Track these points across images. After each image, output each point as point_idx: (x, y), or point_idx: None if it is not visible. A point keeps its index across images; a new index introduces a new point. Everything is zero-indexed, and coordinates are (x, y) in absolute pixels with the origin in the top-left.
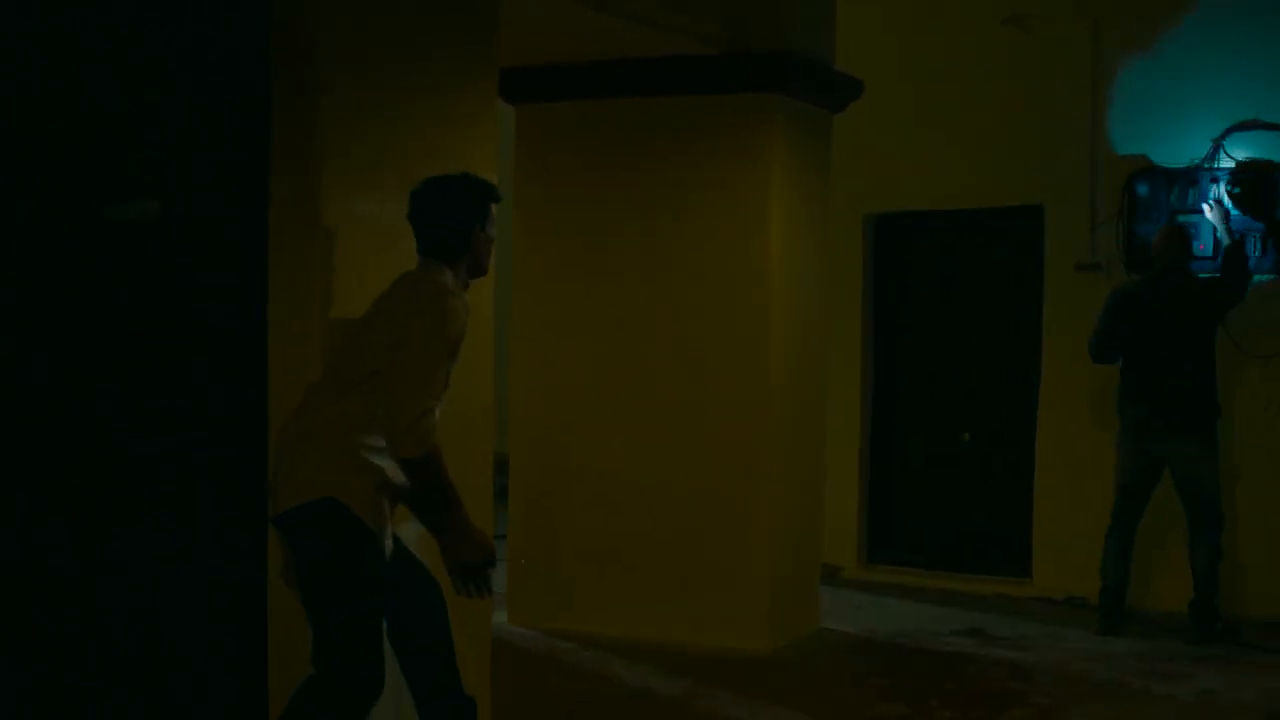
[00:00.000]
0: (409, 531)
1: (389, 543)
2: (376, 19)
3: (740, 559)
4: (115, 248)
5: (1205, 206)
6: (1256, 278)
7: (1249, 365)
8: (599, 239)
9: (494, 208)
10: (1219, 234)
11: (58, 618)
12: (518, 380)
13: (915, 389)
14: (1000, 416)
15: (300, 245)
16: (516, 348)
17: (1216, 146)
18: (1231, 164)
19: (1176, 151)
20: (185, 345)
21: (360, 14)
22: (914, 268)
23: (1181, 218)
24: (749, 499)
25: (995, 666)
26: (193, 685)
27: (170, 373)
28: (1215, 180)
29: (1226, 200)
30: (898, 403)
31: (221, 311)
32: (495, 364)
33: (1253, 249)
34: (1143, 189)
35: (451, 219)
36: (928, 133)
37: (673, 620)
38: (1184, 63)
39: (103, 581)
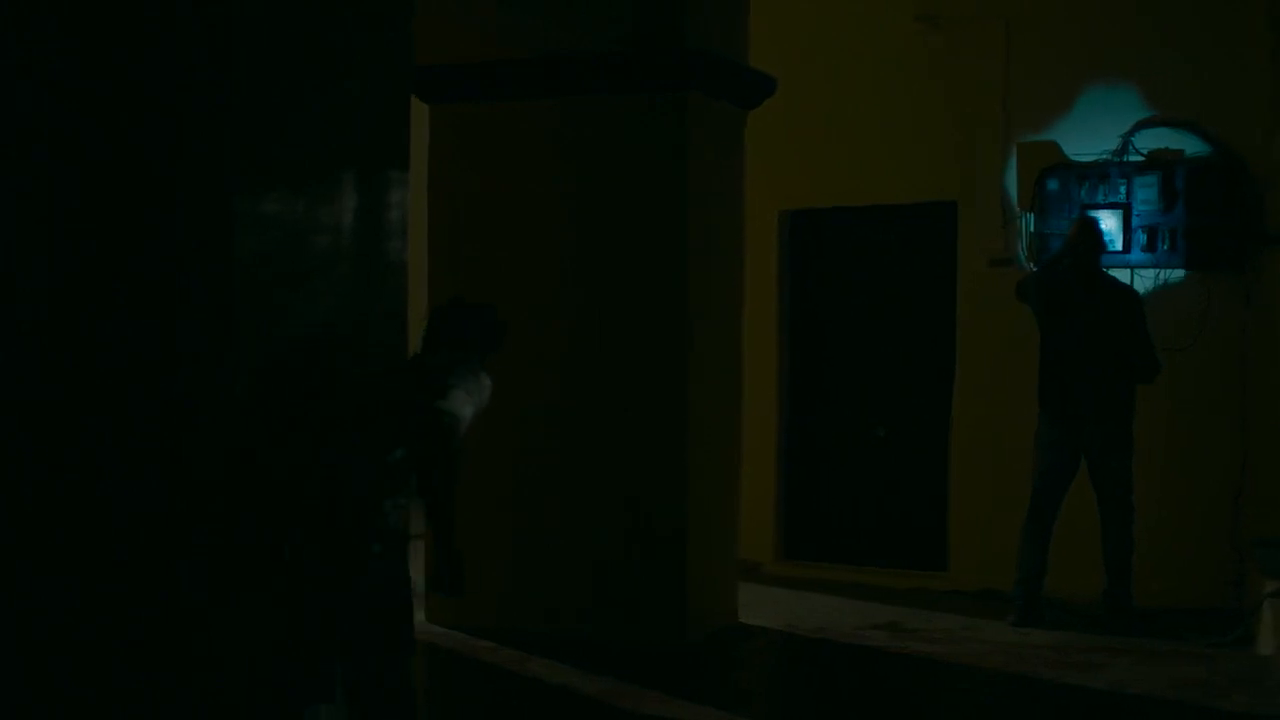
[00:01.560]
0: None
1: None
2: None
3: (657, 553)
4: None
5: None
6: (1165, 273)
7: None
8: (515, 241)
9: None
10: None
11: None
12: None
13: (831, 384)
14: (915, 410)
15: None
16: None
17: (1125, 142)
18: (1140, 158)
19: (1087, 147)
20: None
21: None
22: (829, 263)
23: (1091, 212)
24: (665, 493)
25: (910, 661)
26: None
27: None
28: (1125, 176)
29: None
30: (814, 398)
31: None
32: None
33: (1162, 242)
34: (1053, 184)
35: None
36: (842, 129)
37: (590, 615)
38: (1093, 59)
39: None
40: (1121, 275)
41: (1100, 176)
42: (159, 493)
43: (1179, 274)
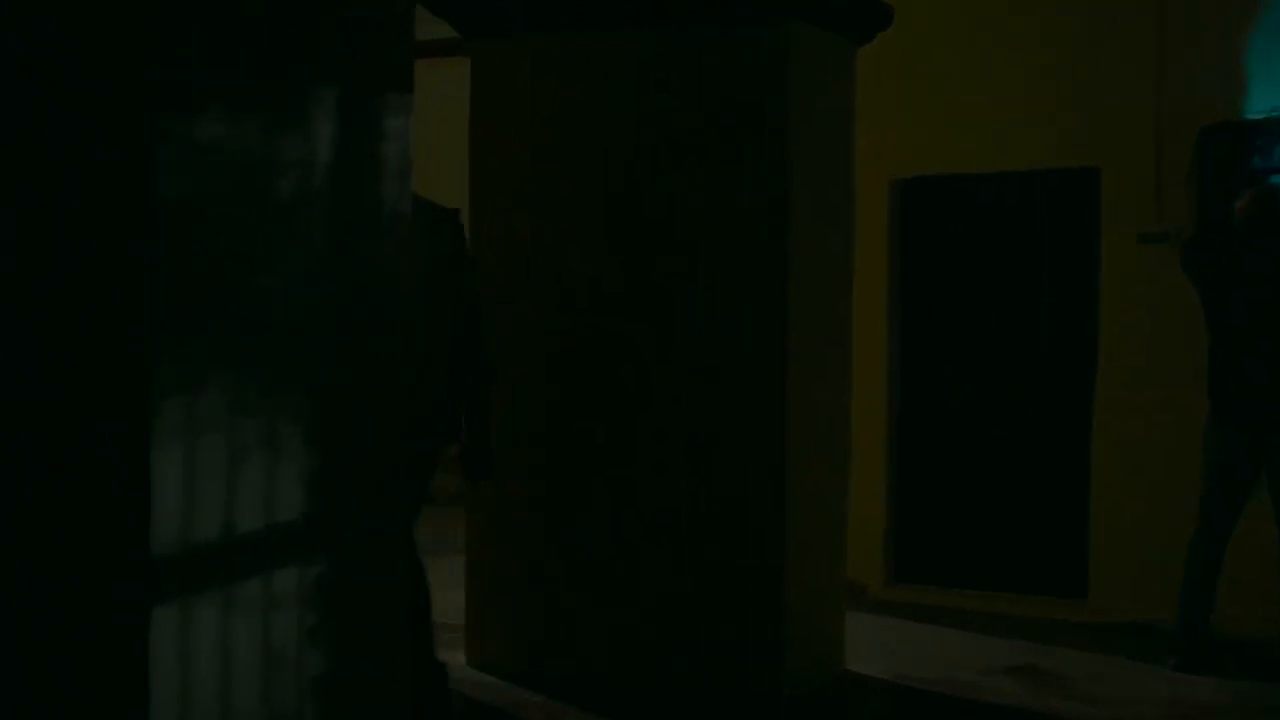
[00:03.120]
0: None
1: None
2: None
3: (746, 586)
4: None
5: None
6: None
7: None
8: (573, 201)
9: None
10: None
11: None
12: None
13: (950, 379)
14: (1049, 410)
15: None
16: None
17: None
18: None
19: (1257, 102)
20: None
21: None
22: (948, 238)
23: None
24: (757, 512)
25: None
26: None
27: None
28: None
29: None
30: (929, 395)
31: None
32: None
33: None
34: (1217, 146)
35: None
36: (966, 82)
37: (661, 661)
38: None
39: None
40: None
41: (1276, 136)
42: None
43: None
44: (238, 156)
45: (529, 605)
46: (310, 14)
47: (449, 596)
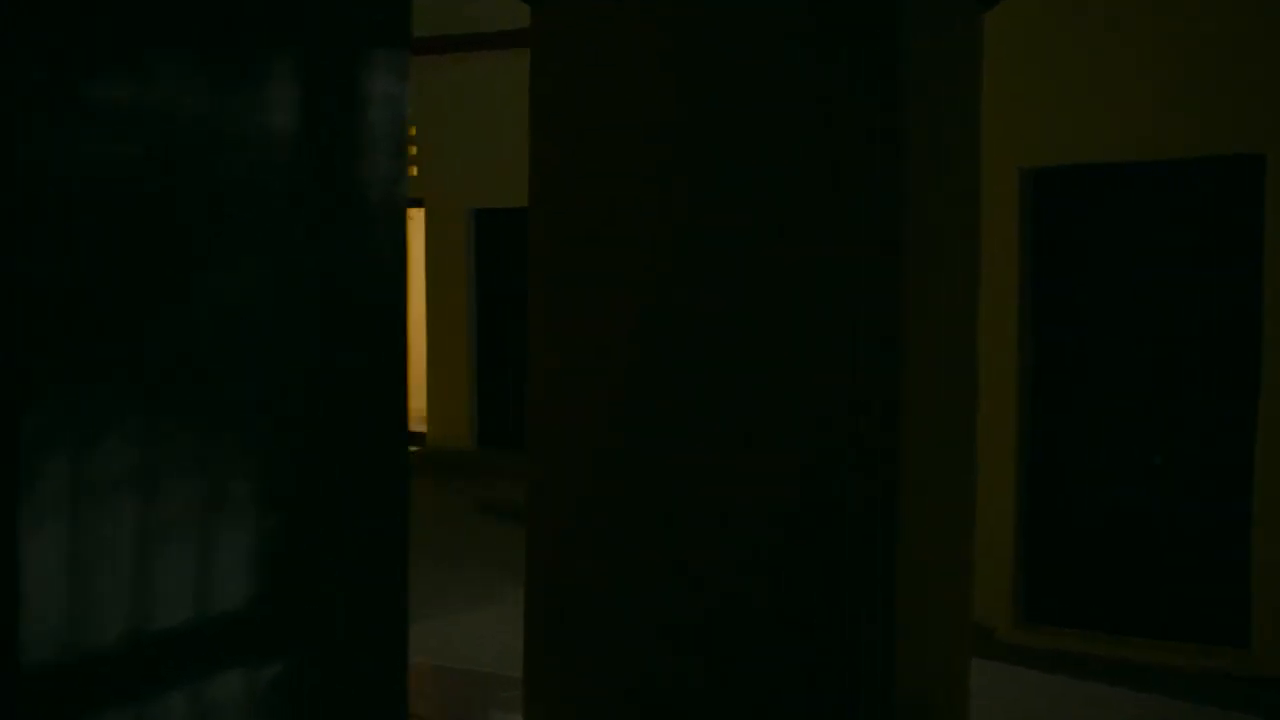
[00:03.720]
0: None
1: None
2: None
3: (848, 638)
4: None
5: None
6: None
7: None
8: (646, 188)
9: None
10: None
11: None
12: (537, 385)
13: (1088, 392)
14: (1205, 428)
15: None
16: (535, 339)
17: None
18: None
19: None
20: None
21: None
22: (1086, 235)
23: None
24: (873, 542)
25: None
26: None
27: None
28: None
29: None
30: (1065, 412)
31: None
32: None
33: None
34: None
35: None
36: (1105, 61)
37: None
38: None
39: None
40: None
41: None
42: None
43: None
44: (148, 124)
45: (601, 663)
46: None
47: (507, 641)
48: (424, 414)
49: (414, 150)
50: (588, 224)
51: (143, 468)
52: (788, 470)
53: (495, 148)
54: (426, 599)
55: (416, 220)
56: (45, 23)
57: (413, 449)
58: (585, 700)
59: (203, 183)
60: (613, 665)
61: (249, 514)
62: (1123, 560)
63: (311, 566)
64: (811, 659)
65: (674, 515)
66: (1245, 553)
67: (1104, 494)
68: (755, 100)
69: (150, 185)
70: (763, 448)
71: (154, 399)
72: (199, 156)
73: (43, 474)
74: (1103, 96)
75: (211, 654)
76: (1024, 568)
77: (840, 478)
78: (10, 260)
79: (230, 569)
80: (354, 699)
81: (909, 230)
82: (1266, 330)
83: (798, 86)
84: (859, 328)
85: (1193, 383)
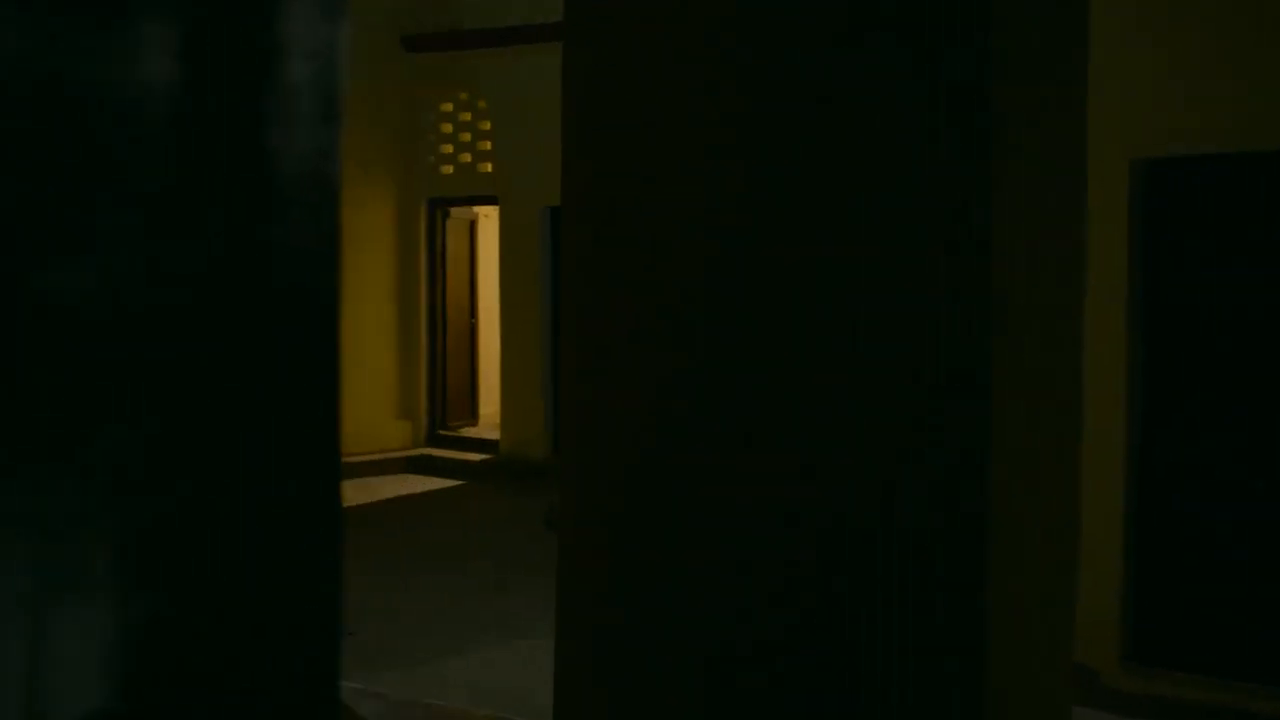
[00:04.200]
0: None
1: None
2: None
3: (932, 672)
4: None
5: None
6: None
7: None
8: (693, 176)
9: None
10: None
11: None
12: (572, 398)
13: (1207, 406)
14: None
15: None
16: (567, 347)
17: None
18: None
19: None
20: None
21: None
22: (1206, 232)
23: None
24: (960, 570)
25: None
26: None
27: None
28: None
29: None
30: (1180, 428)
31: None
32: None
33: None
34: None
35: None
36: (1234, 38)
37: None
38: None
39: None
40: None
41: None
42: None
43: None
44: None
45: (641, 698)
46: None
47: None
48: (497, 421)
49: (488, 146)
50: (634, 225)
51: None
52: (858, 496)
53: None
54: (474, 623)
55: (491, 219)
56: None
57: (485, 457)
58: None
59: (41, 150)
60: (653, 701)
61: (120, 557)
62: (1245, 596)
63: (225, 591)
64: (885, 710)
65: (725, 537)
66: None
67: (1224, 520)
68: (823, 90)
69: None
70: (829, 472)
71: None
72: (33, 115)
73: None
74: (1228, 78)
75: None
76: (1132, 602)
77: (920, 505)
78: None
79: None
80: None
81: (999, 230)
82: None
83: (873, 75)
84: (942, 335)
85: None
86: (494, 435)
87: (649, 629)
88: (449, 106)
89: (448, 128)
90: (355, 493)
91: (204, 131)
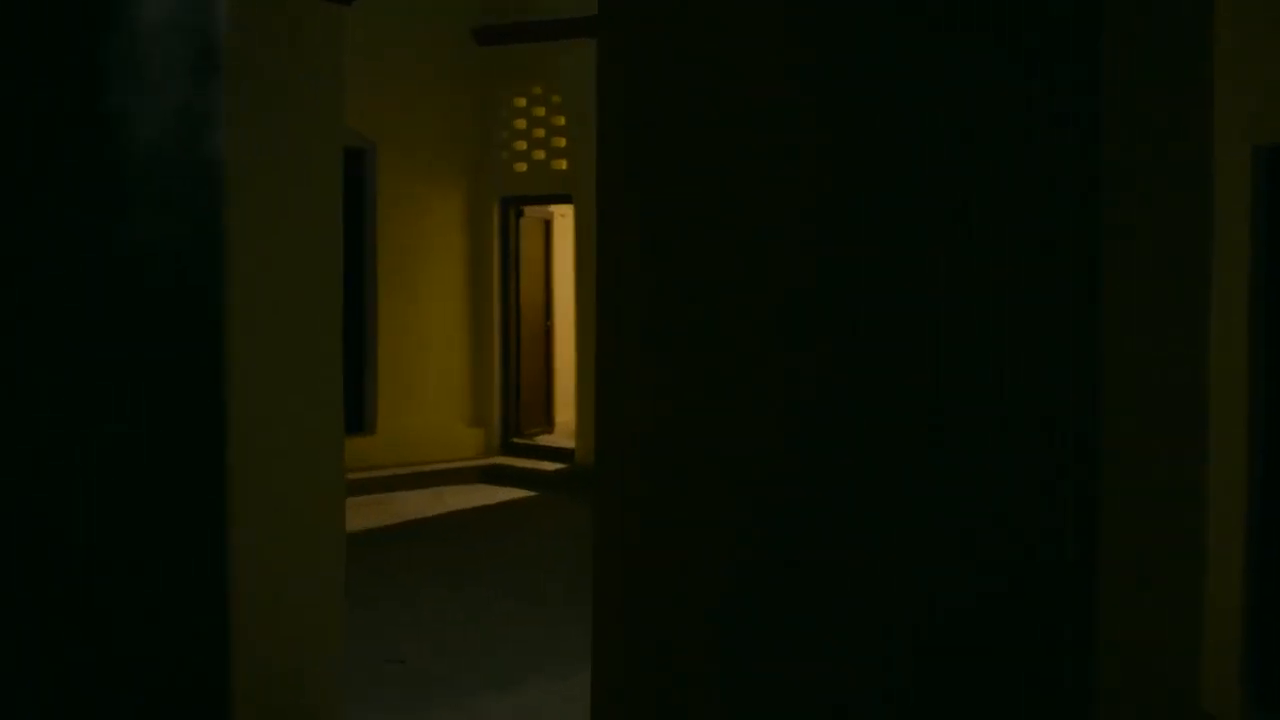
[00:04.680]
0: None
1: None
2: None
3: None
4: None
5: None
6: None
7: None
8: (743, 170)
9: None
10: None
11: None
12: (612, 414)
13: None
14: None
15: None
16: (606, 359)
17: None
18: None
19: None
20: None
21: None
22: None
23: None
24: (1064, 599)
25: None
26: None
27: None
28: None
29: None
30: None
31: None
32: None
33: None
34: None
35: None
36: None
37: None
38: None
39: None
40: None
41: None
42: None
43: None
44: None
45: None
46: None
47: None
48: (574, 428)
49: (562, 142)
50: (682, 224)
51: None
52: (952, 531)
53: None
54: (533, 651)
55: (567, 218)
56: None
57: (560, 467)
58: None
59: None
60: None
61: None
62: None
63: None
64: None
65: (795, 568)
66: None
67: None
68: (909, 84)
69: None
70: (922, 509)
71: None
72: None
73: None
74: None
75: None
76: (1256, 641)
77: (1024, 536)
78: None
79: None
80: None
81: (1107, 224)
82: None
83: (969, 63)
84: (1046, 341)
85: None
86: (570, 443)
87: (686, 629)
88: (522, 101)
89: (521, 124)
90: (424, 503)
91: (38, 98)
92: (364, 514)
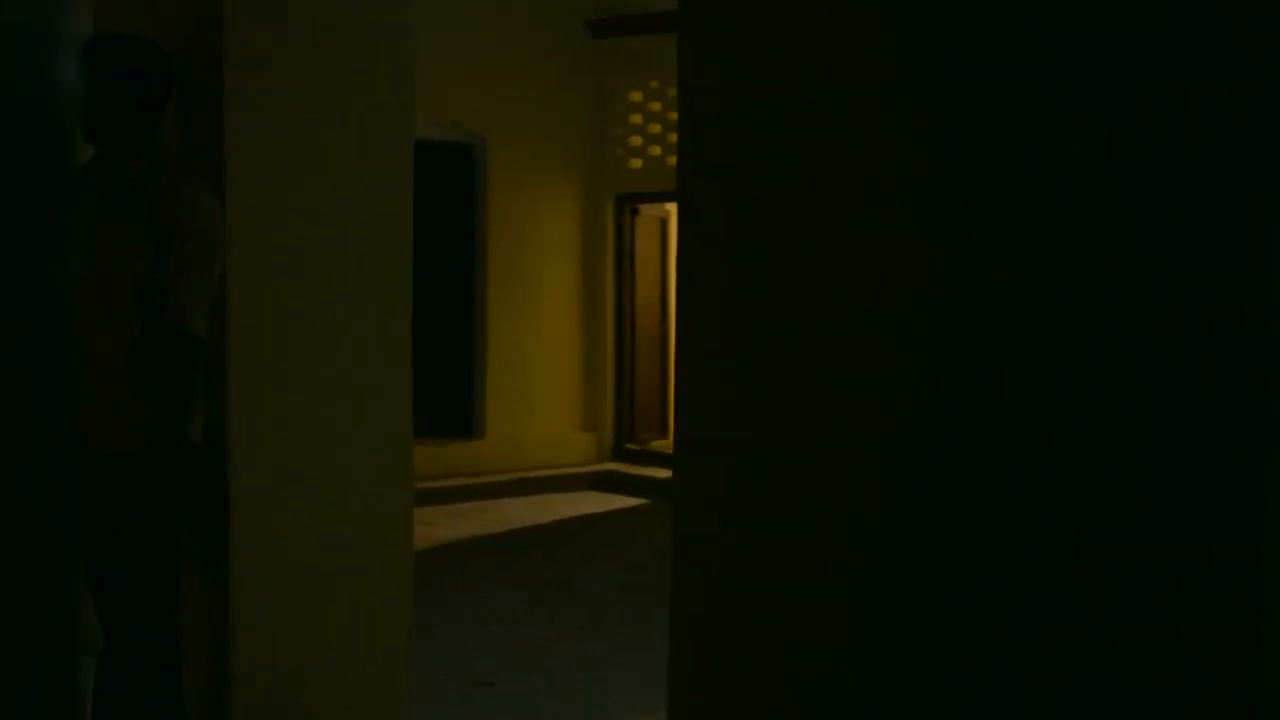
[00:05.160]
0: None
1: None
2: None
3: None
4: None
5: None
6: None
7: None
8: (835, 169)
9: None
10: None
11: None
12: (692, 414)
13: None
14: None
15: None
16: (687, 359)
17: None
18: None
19: None
20: None
21: None
22: None
23: None
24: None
25: None
26: None
27: None
28: None
29: None
30: None
31: None
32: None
33: None
34: None
35: None
36: None
37: None
38: None
39: None
40: None
41: None
42: None
43: None
44: None
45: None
46: None
47: None
48: None
49: (674, 139)
50: (766, 221)
51: None
52: (1091, 538)
53: None
54: (628, 679)
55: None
56: None
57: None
58: None
59: None
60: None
61: None
62: None
63: None
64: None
65: (902, 582)
66: None
67: None
68: (1014, 79)
69: None
70: (1030, 513)
71: None
72: None
73: None
74: None
75: None
76: None
77: (1179, 529)
78: None
79: None
80: None
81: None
82: None
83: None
84: (1207, 325)
85: None
86: None
87: (769, 631)
88: (638, 95)
89: (636, 118)
90: (531, 510)
91: None
92: (469, 521)
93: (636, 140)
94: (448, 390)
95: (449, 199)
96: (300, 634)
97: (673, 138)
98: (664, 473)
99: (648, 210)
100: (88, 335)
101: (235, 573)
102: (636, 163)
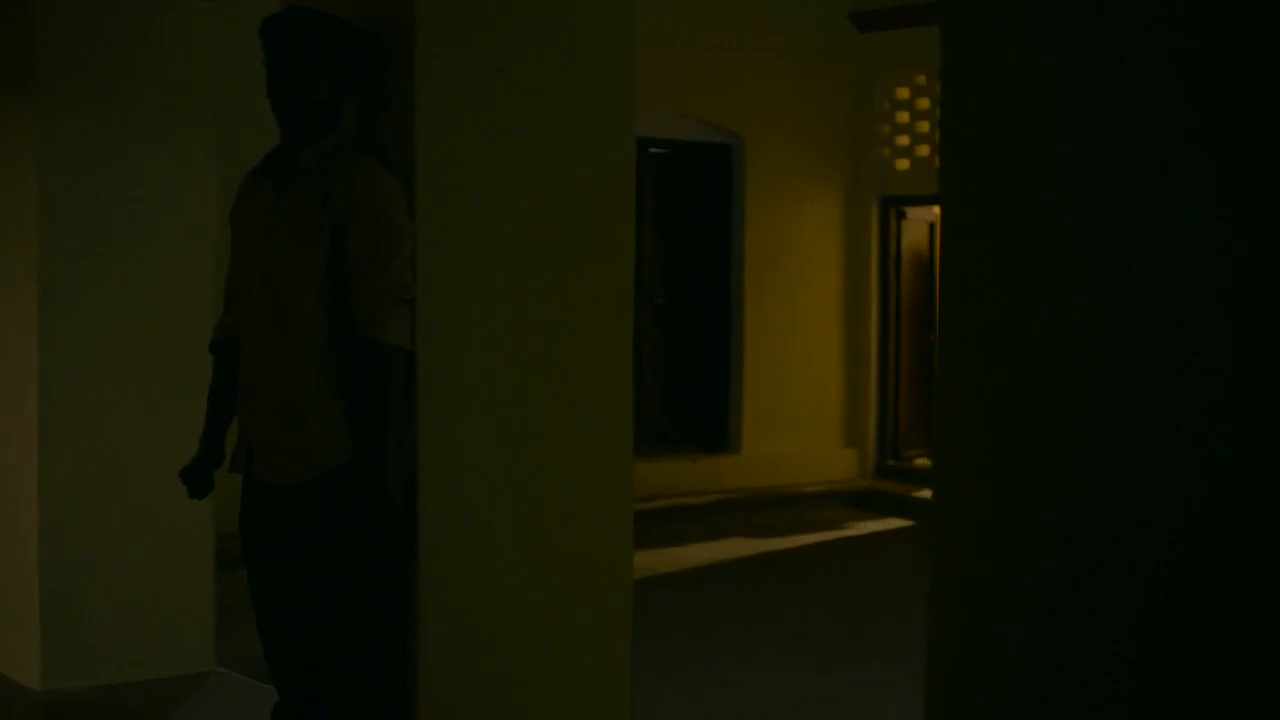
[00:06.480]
0: None
1: None
2: None
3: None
4: None
5: None
6: None
7: None
8: (1116, 176)
9: None
10: None
11: None
12: (953, 428)
13: None
14: None
15: None
16: (949, 372)
17: None
18: None
19: None
20: None
21: None
22: None
23: None
24: None
25: None
26: None
27: None
28: None
29: None
30: None
31: None
32: None
33: None
34: None
35: None
36: None
37: None
38: None
39: None
40: None
41: None
42: None
43: None
44: None
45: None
46: None
47: None
48: None
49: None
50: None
51: None
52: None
53: None
54: None
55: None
56: None
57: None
58: None
59: None
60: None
61: None
62: None
63: None
64: None
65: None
66: None
67: None
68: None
69: None
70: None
71: None
72: None
73: None
74: None
75: None
76: None
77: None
78: None
79: None
80: None
81: None
82: None
83: None
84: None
85: None
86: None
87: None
88: (905, 92)
89: (903, 117)
90: (786, 531)
91: None
92: (718, 542)
93: (903, 140)
94: (701, 403)
95: (704, 203)
96: (496, 674)
97: None
98: (929, 492)
99: (915, 214)
100: (262, 354)
101: (426, 605)
102: (903, 163)
